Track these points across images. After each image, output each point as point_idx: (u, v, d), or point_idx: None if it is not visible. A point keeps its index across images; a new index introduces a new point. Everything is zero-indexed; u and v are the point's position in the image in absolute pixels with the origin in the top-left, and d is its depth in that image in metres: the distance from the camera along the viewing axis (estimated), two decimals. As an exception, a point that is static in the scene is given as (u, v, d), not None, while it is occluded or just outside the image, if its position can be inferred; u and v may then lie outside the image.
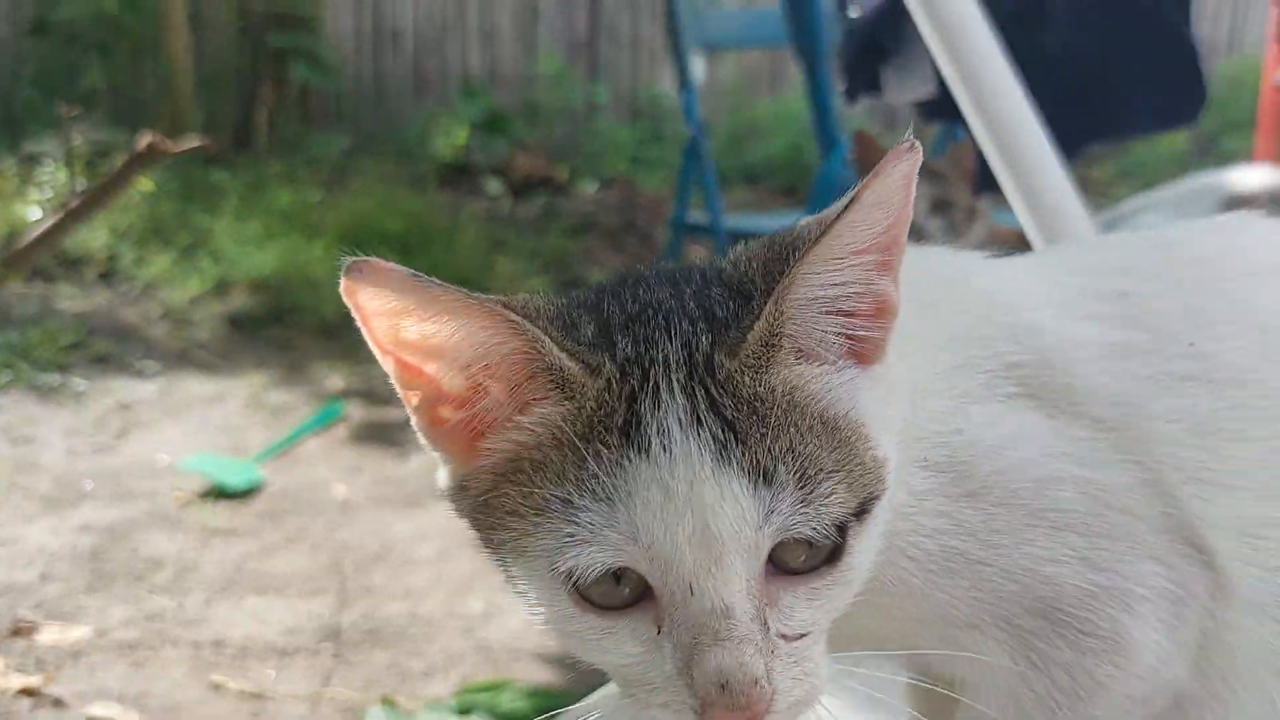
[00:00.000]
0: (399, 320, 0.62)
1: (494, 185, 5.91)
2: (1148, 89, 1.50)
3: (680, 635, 0.61)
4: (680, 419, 0.61)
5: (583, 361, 0.63)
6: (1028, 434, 0.70)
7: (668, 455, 0.60)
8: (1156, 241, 0.83)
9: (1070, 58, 1.49)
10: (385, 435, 3.71)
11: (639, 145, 6.44)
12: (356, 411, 3.86)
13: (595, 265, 4.91)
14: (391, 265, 0.60)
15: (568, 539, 0.61)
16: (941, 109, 1.40)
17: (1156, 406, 0.71)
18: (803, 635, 0.62)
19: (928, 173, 2.02)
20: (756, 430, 0.61)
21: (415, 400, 0.66)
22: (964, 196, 2.02)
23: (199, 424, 3.73)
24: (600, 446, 0.61)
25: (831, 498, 0.61)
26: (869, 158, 2.08)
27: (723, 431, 0.60)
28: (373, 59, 6.55)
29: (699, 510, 0.59)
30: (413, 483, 3.40)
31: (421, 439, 0.69)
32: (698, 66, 3.34)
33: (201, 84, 5.68)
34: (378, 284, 0.60)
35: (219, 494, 3.23)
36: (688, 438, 0.60)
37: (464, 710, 2.33)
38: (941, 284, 0.74)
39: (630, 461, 0.61)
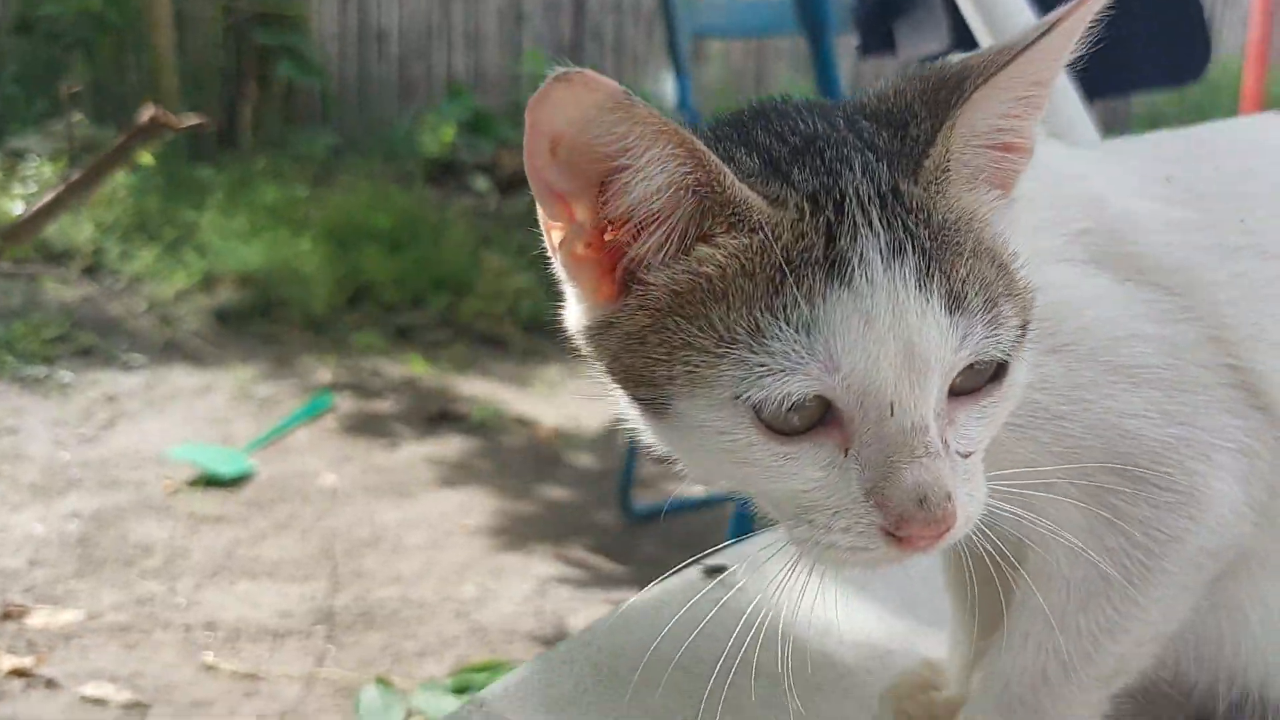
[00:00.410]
0: (578, 139, 0.61)
1: (481, 182, 5.91)
2: (1156, 45, 1.53)
3: (872, 455, 0.62)
4: (882, 250, 0.62)
5: (765, 195, 0.63)
6: (1104, 294, 0.73)
7: (871, 285, 0.61)
8: (1193, 137, 0.86)
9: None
10: (374, 426, 3.70)
11: (623, 146, 6.47)
12: (345, 403, 3.85)
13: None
14: (605, 79, 0.58)
15: (760, 369, 0.61)
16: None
17: (1215, 274, 0.74)
18: (971, 453, 0.64)
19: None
20: (950, 256, 0.63)
21: (559, 235, 0.66)
22: None
23: (185, 415, 3.71)
24: (797, 277, 0.61)
25: (1010, 320, 0.63)
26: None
27: (921, 260, 0.62)
28: (358, 59, 6.55)
29: (903, 336, 0.61)
30: (402, 472, 3.40)
31: (561, 273, 0.68)
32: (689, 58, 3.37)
33: (186, 81, 5.66)
34: (582, 96, 0.58)
35: (208, 482, 3.21)
36: (890, 267, 0.61)
37: (460, 690, 2.33)
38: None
39: (832, 292, 0.61)
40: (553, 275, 0.70)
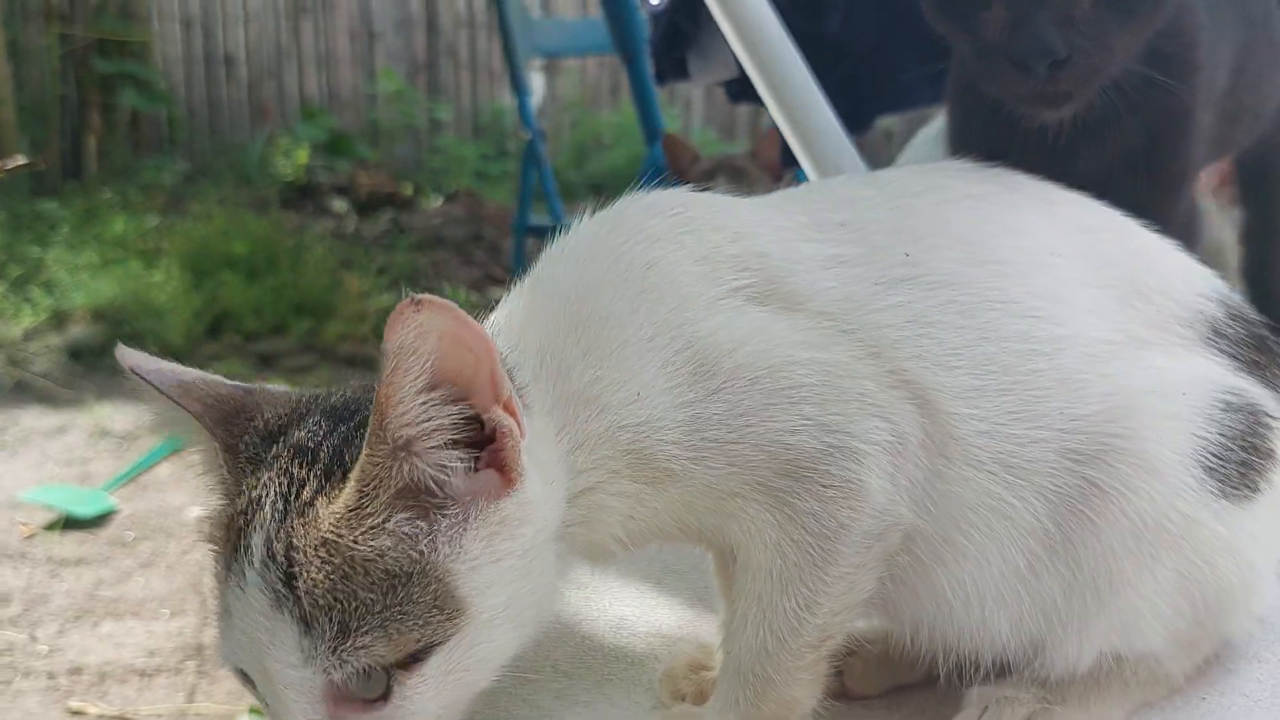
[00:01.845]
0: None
1: (338, 204, 5.88)
2: (921, 66, 1.66)
3: None
4: (255, 561, 0.70)
5: (238, 480, 0.74)
6: (759, 329, 0.82)
7: (243, 594, 0.70)
8: (873, 181, 0.96)
9: (849, 42, 1.64)
10: (239, 456, 3.66)
11: (482, 161, 6.49)
12: (208, 435, 3.80)
13: (445, 279, 4.94)
14: (139, 375, 0.79)
15: (219, 622, 0.74)
16: (745, 90, 1.52)
17: (881, 303, 0.84)
18: None
19: (731, 169, 2.18)
20: (311, 579, 0.68)
21: None
22: (765, 189, 2.17)
23: (39, 457, 3.62)
24: (216, 564, 0.74)
25: (365, 650, 0.68)
26: (679, 157, 2.23)
27: (284, 578, 0.69)
28: (206, 84, 6.42)
29: (256, 646, 0.69)
30: (270, 501, 3.37)
31: None
32: (534, 77, 3.47)
33: (24, 113, 5.48)
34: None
35: (67, 524, 3.15)
36: (258, 580, 0.69)
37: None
38: (655, 241, 0.85)
39: (223, 588, 0.72)
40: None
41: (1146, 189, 1.04)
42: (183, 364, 0.82)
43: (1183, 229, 1.07)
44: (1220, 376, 0.88)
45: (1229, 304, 0.93)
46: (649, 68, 2.07)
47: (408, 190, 6.12)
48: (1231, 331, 0.91)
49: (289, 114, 6.46)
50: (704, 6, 1.37)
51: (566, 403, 0.79)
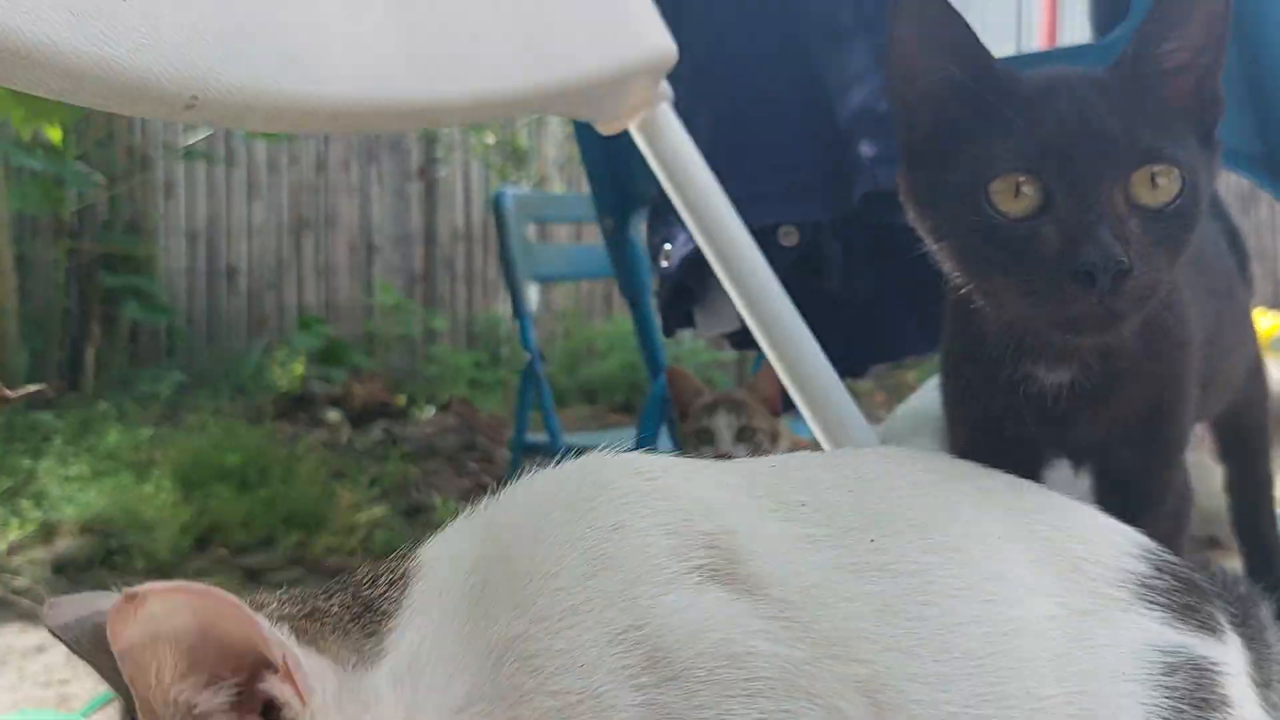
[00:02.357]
0: None
1: (332, 414, 5.93)
2: (916, 319, 1.76)
3: None
4: None
5: None
6: (720, 615, 0.79)
7: None
8: (825, 463, 0.98)
9: (847, 297, 1.75)
10: (222, 677, 3.57)
11: (477, 369, 6.61)
12: (191, 654, 3.71)
13: (436, 490, 4.94)
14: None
15: None
16: (747, 340, 1.61)
17: (847, 590, 0.83)
18: None
19: (732, 403, 2.26)
20: None
21: None
22: (765, 422, 2.25)
23: (17, 678, 3.52)
24: None
25: None
26: (682, 390, 2.32)
27: None
28: (207, 295, 6.59)
29: None
30: (252, 726, 3.27)
31: None
32: (532, 295, 3.61)
33: (27, 325, 5.59)
34: None
35: (41, 754, 3.04)
36: None
37: None
38: (626, 503, 0.83)
39: None
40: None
41: (1144, 457, 1.08)
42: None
43: (1179, 496, 1.11)
44: (1157, 636, 0.88)
45: (1151, 557, 0.95)
46: (653, 310, 2.19)
47: (401, 401, 6.20)
48: (1160, 583, 0.92)
49: (287, 324, 6.60)
50: (709, 270, 1.46)
51: (484, 654, 0.77)
